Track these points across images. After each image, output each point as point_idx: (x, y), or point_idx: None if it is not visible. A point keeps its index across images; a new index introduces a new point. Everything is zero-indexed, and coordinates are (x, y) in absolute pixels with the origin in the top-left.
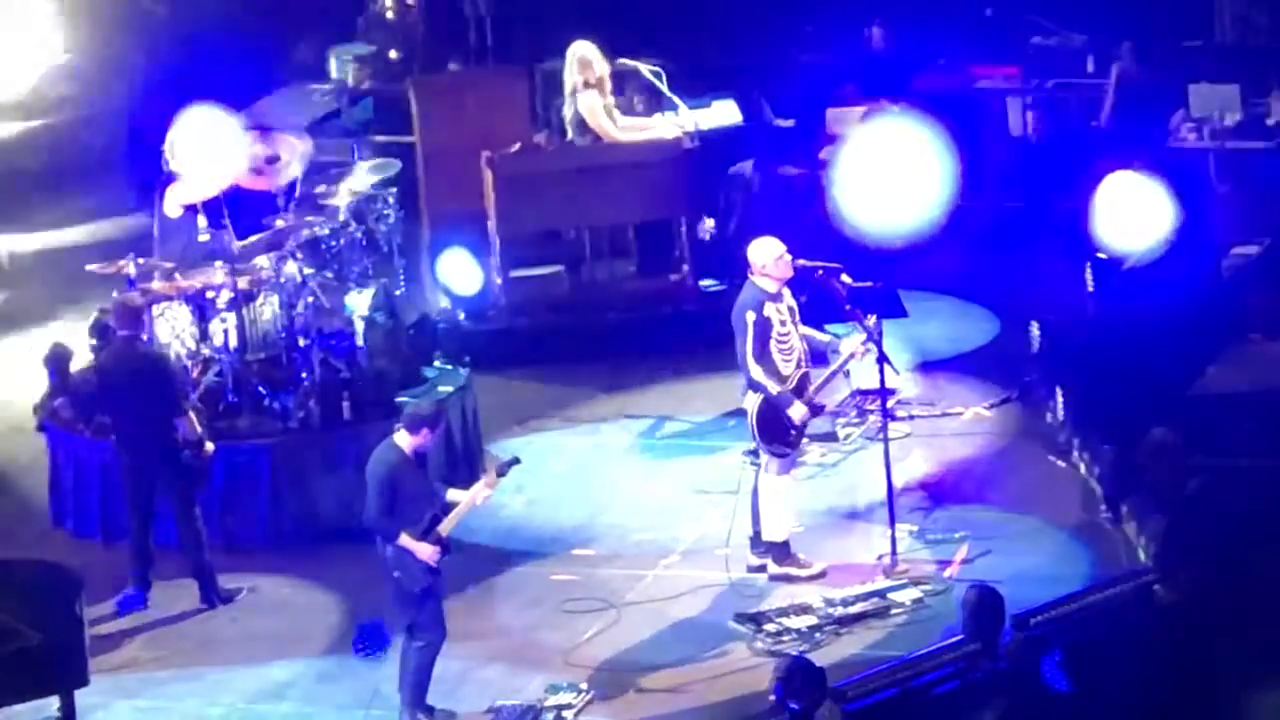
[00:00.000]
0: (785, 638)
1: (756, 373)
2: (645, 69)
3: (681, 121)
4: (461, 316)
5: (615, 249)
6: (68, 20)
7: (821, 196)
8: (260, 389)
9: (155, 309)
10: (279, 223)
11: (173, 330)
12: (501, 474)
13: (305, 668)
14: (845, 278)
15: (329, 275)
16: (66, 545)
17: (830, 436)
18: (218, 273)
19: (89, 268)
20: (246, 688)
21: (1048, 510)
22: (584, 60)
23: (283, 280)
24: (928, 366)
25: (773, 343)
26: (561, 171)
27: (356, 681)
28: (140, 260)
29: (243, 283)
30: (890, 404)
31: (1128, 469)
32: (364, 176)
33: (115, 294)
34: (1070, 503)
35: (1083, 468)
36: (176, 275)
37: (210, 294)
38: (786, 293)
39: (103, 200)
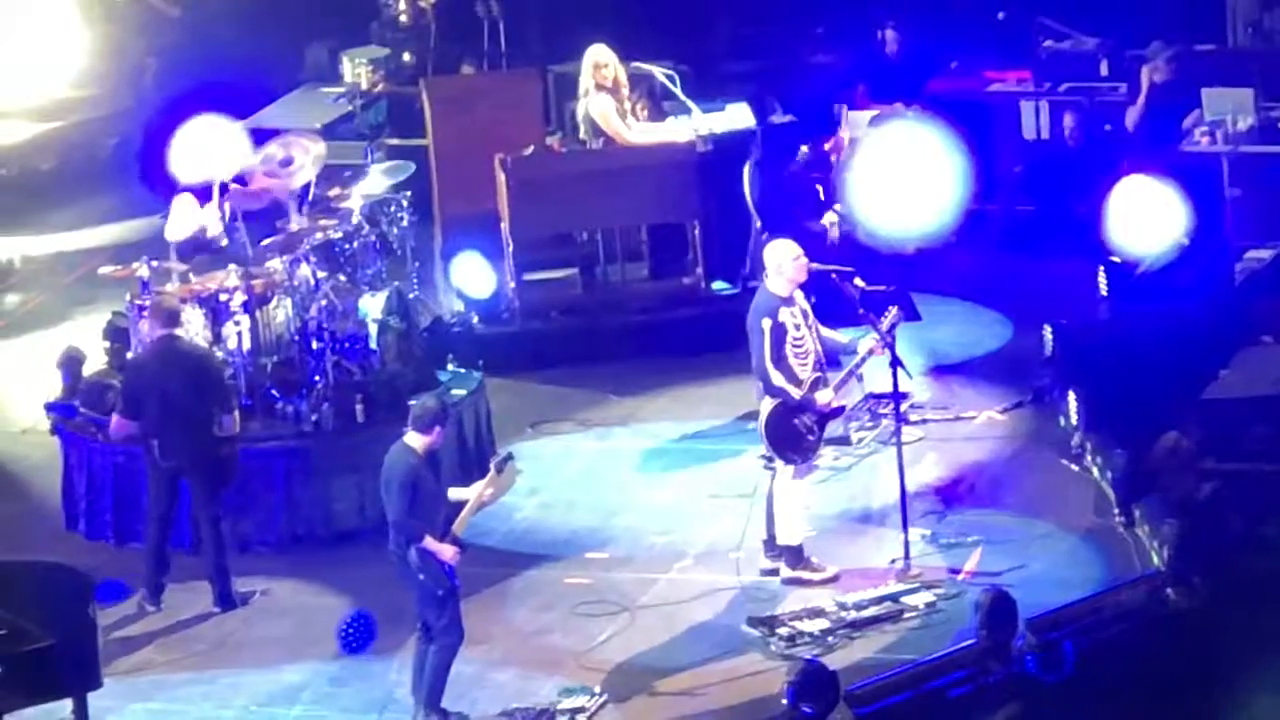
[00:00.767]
0: (798, 641)
1: (777, 378)
2: (659, 72)
3: (694, 125)
4: (475, 319)
5: (628, 252)
6: (83, 24)
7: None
8: (273, 392)
9: None
10: (292, 226)
11: (186, 333)
12: (499, 470)
13: (318, 671)
14: (859, 281)
15: (342, 278)
16: (79, 548)
17: (843, 440)
18: (231, 276)
19: (102, 271)
20: (259, 691)
21: (1060, 514)
22: (599, 63)
23: (296, 283)
24: (941, 370)
25: (788, 347)
26: (575, 174)
27: (369, 685)
28: (154, 263)
29: (256, 286)
30: (903, 408)
31: (1140, 473)
32: (377, 179)
33: (128, 297)
34: (1083, 506)
35: (1095, 471)
36: (190, 278)
37: (224, 297)
38: (799, 295)
39: (116, 203)
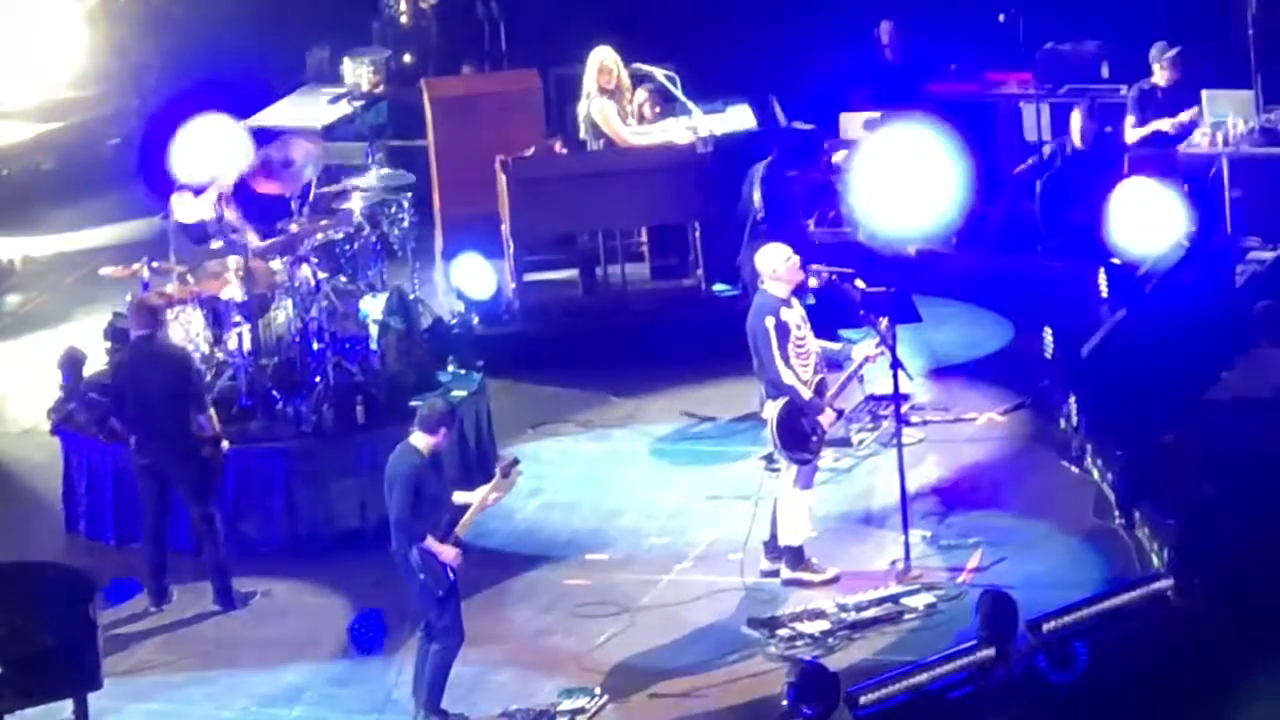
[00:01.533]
0: (799, 643)
1: (788, 376)
2: (660, 73)
3: (695, 126)
4: (475, 320)
5: (629, 253)
6: (85, 24)
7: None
8: (274, 393)
9: (170, 312)
10: (293, 227)
11: (187, 334)
12: (505, 475)
13: (318, 672)
14: (859, 282)
15: (343, 279)
16: (80, 548)
17: (844, 442)
18: (232, 277)
19: (103, 271)
20: (259, 691)
21: (1061, 516)
22: (604, 66)
23: (297, 284)
24: (941, 372)
25: (790, 346)
26: (575, 176)
27: (370, 686)
28: (155, 263)
29: (257, 287)
30: (904, 409)
31: (1141, 474)
32: (378, 180)
33: (129, 297)
34: (1083, 508)
35: (1096, 473)
36: (190, 279)
37: (224, 298)
38: (794, 299)
39: (118, 203)
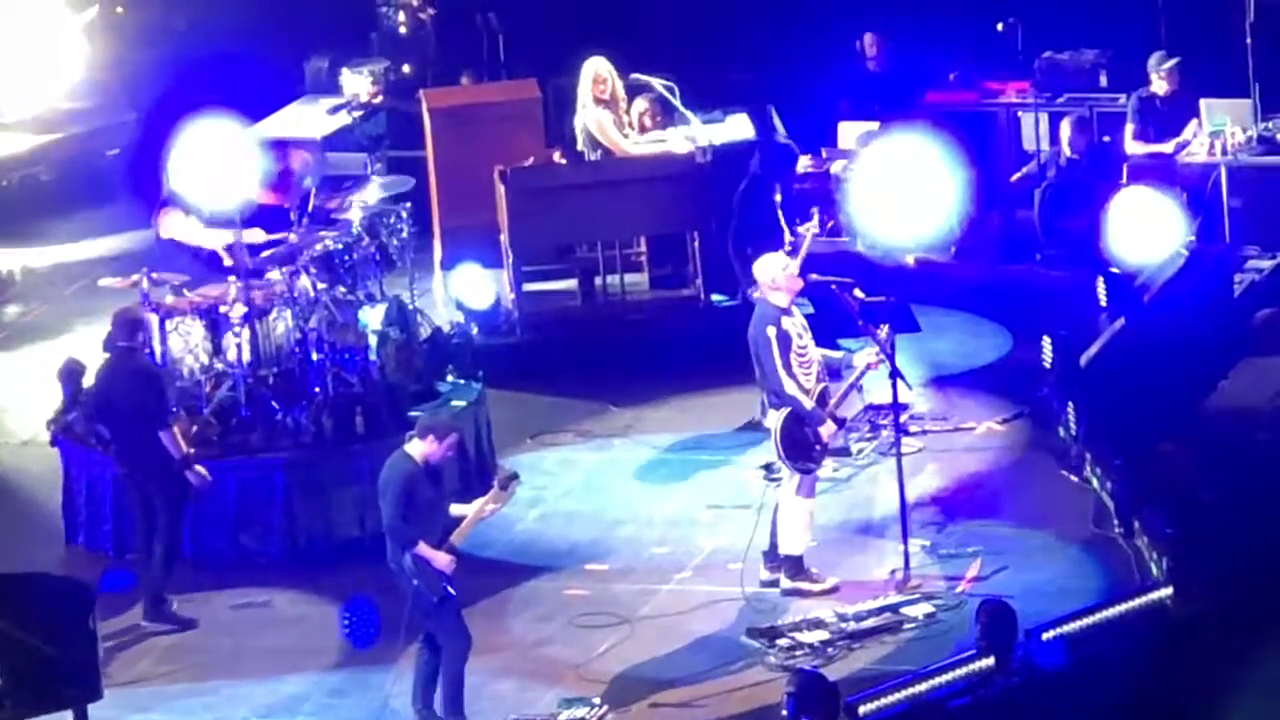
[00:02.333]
0: (798, 652)
1: (790, 386)
2: (658, 83)
3: (694, 136)
4: (474, 331)
5: (628, 263)
6: (84, 36)
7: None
8: (273, 404)
9: (168, 323)
10: (292, 237)
11: (186, 345)
12: (504, 487)
13: (317, 682)
14: (858, 292)
15: (342, 290)
16: (79, 559)
17: (843, 451)
18: (231, 287)
19: (102, 282)
20: (259, 702)
21: (1060, 525)
22: (598, 76)
23: (296, 295)
24: (940, 381)
25: (792, 355)
26: (574, 186)
27: (369, 696)
28: (154, 274)
29: (256, 297)
30: (903, 419)
31: (1140, 483)
32: (377, 191)
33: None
34: (1082, 517)
35: (1095, 482)
36: (185, 292)
37: (223, 308)
38: (794, 308)
39: (117, 214)
